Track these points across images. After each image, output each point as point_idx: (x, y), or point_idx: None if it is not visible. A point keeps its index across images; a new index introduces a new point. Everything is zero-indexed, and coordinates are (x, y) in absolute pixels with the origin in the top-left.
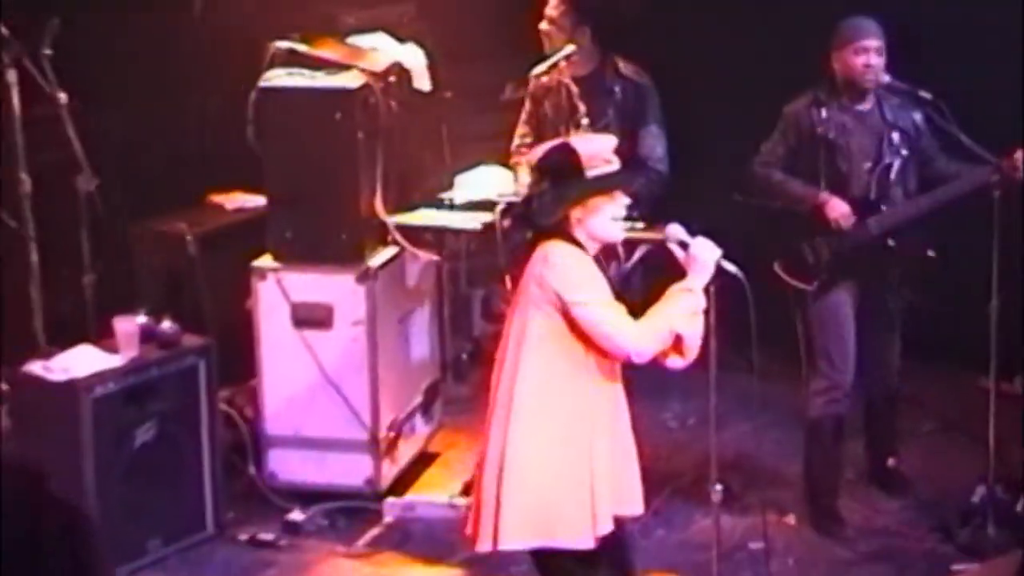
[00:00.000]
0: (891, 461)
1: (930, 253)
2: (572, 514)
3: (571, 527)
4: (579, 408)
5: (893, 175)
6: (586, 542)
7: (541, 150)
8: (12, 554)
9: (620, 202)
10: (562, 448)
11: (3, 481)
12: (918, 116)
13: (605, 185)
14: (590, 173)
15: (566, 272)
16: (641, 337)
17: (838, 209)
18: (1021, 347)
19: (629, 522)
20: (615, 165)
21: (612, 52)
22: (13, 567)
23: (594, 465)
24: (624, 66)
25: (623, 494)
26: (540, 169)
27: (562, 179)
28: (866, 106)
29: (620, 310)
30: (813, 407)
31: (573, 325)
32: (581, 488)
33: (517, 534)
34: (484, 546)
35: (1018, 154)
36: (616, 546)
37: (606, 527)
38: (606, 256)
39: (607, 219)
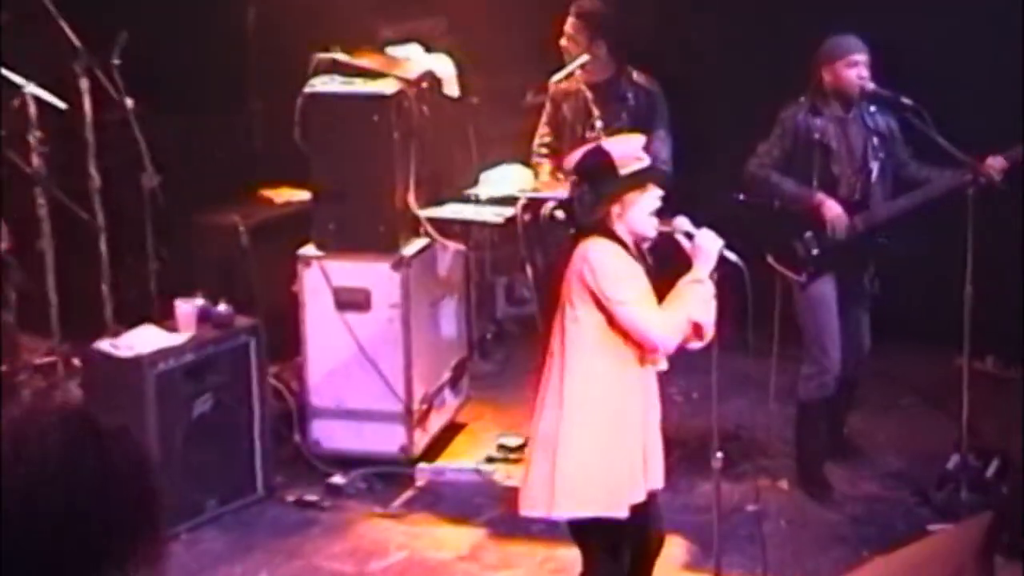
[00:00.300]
0: (845, 431)
1: (909, 247)
2: (610, 488)
3: (610, 499)
4: (617, 394)
5: (875, 177)
6: (621, 512)
7: (577, 155)
8: (83, 486)
9: (654, 195)
10: (603, 431)
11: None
12: (892, 122)
13: (638, 180)
14: (623, 171)
15: (604, 270)
16: (667, 331)
17: (834, 210)
18: (992, 329)
19: (655, 495)
20: (646, 162)
21: (627, 63)
22: (84, 499)
23: (629, 445)
24: (637, 75)
25: (650, 471)
26: (578, 172)
27: (599, 179)
28: (851, 113)
29: (651, 305)
30: (804, 390)
31: (612, 319)
32: (618, 465)
33: (567, 504)
34: (538, 512)
35: (991, 160)
36: (642, 514)
37: (638, 497)
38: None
39: (643, 212)
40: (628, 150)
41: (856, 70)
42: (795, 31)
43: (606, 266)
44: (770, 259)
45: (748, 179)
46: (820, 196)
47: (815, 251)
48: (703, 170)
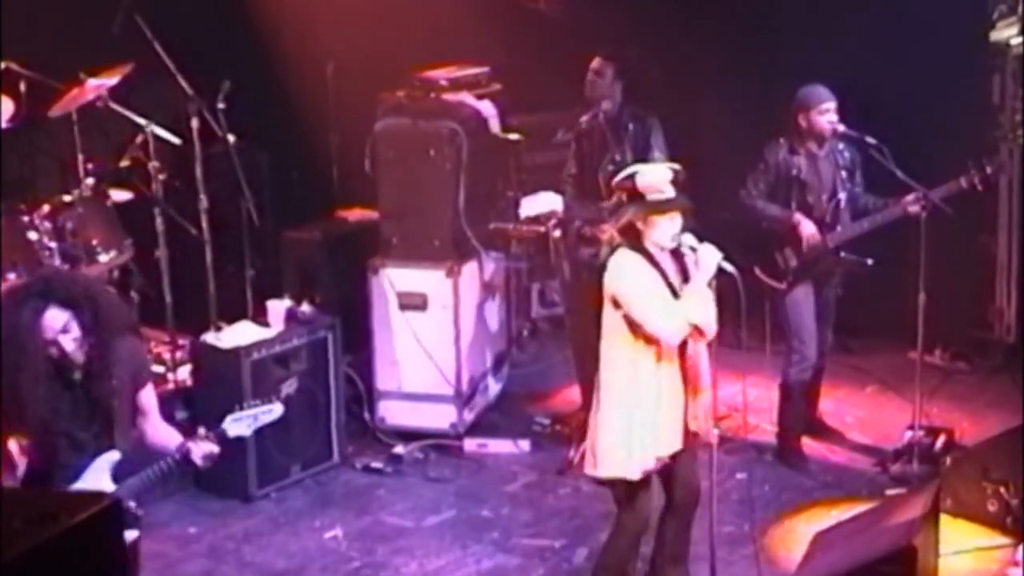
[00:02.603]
0: (818, 413)
1: (868, 261)
2: (624, 455)
3: (626, 464)
4: (630, 378)
5: (843, 204)
6: (633, 475)
7: (621, 176)
8: None
9: (674, 219)
10: (622, 409)
11: None
12: (857, 157)
13: (657, 207)
14: (650, 196)
15: (620, 275)
16: (667, 329)
17: (808, 229)
18: (940, 329)
19: (680, 457)
20: (669, 192)
21: (627, 96)
22: None
23: (642, 421)
24: (635, 107)
25: (662, 440)
26: (619, 188)
27: (631, 198)
28: (824, 151)
29: (657, 307)
30: (787, 375)
31: (628, 316)
32: (633, 437)
33: (603, 467)
34: (590, 471)
35: (934, 191)
36: (666, 473)
37: (648, 465)
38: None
39: (663, 231)
40: (656, 180)
41: (827, 116)
42: (778, 76)
43: (621, 272)
44: (756, 271)
45: (740, 206)
46: (797, 217)
47: (793, 263)
48: (703, 194)
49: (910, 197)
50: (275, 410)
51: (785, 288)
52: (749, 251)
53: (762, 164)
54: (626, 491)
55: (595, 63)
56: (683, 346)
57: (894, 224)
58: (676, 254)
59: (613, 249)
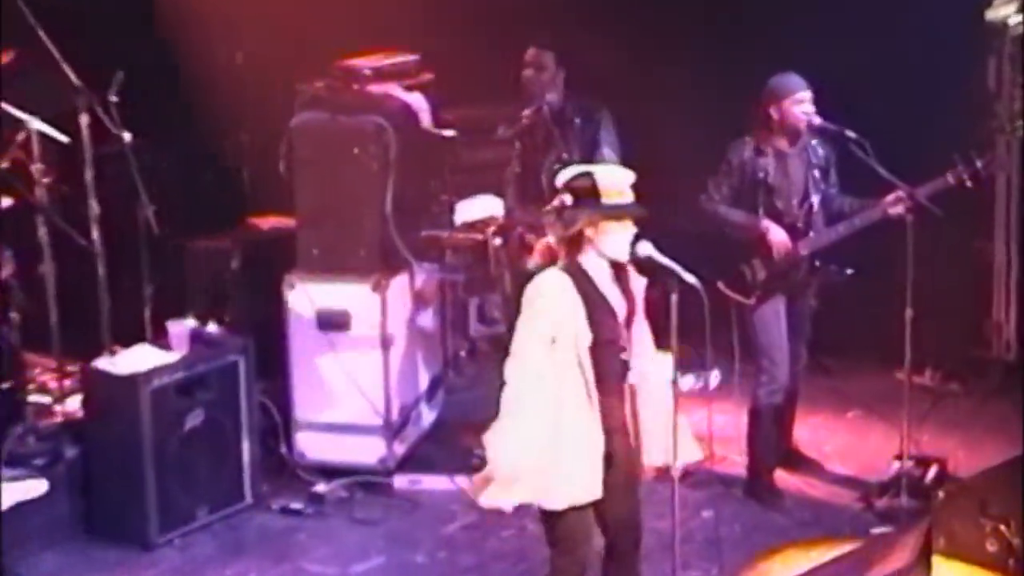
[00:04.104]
0: (792, 441)
1: (848, 271)
2: (540, 480)
3: (538, 490)
4: (556, 399)
5: (815, 207)
6: (554, 503)
7: (569, 173)
8: None
9: (628, 228)
10: (537, 425)
11: None
12: (832, 154)
13: (615, 211)
14: (605, 200)
15: (529, 300)
16: (512, 379)
17: (778, 236)
18: (930, 346)
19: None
20: (628, 197)
21: (575, 87)
22: None
23: (568, 447)
24: (581, 99)
25: (589, 472)
26: (566, 190)
27: (582, 201)
28: (795, 148)
29: (530, 371)
30: (756, 399)
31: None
32: (548, 460)
33: (513, 491)
34: (492, 498)
35: (920, 189)
36: (599, 513)
37: (577, 497)
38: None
39: (617, 242)
40: (614, 182)
41: (802, 107)
42: (747, 61)
43: (531, 298)
44: (720, 285)
45: (700, 212)
46: (765, 223)
47: (762, 276)
48: (660, 200)
49: (891, 197)
50: (38, 487)
51: (753, 303)
52: (712, 263)
53: (725, 165)
54: (557, 527)
55: (530, 53)
56: (623, 372)
57: (877, 228)
58: (620, 273)
59: (544, 266)
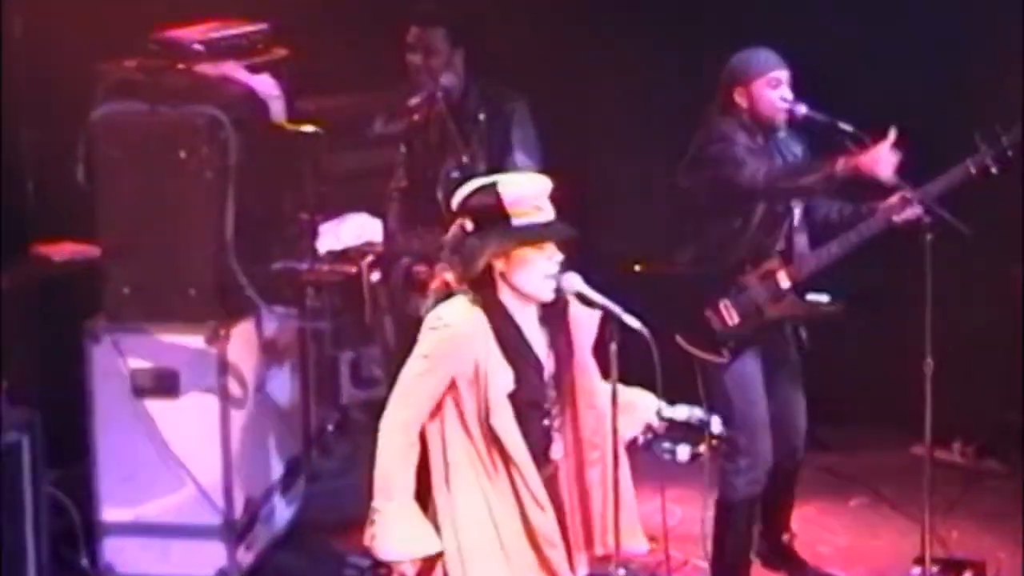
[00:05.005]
0: (786, 536)
1: (842, 304)
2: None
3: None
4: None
5: (797, 222)
6: None
7: (465, 191)
8: None
9: (552, 255)
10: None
11: None
12: (806, 150)
13: (531, 236)
14: (516, 220)
15: (425, 336)
16: (383, 434)
17: (878, 153)
18: (959, 411)
19: None
20: (547, 213)
21: (480, 73)
22: None
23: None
24: (489, 87)
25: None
26: (463, 212)
27: (486, 225)
28: (765, 144)
29: (415, 403)
30: (731, 488)
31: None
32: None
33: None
34: None
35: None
36: None
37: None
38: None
39: (536, 275)
40: (526, 194)
41: (778, 91)
42: (713, 50)
43: (427, 334)
44: (680, 340)
45: (750, 193)
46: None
47: (734, 321)
48: (596, 218)
49: (895, 198)
50: None
51: (727, 360)
52: (666, 307)
53: (727, 142)
54: None
55: (413, 33)
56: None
57: (883, 250)
58: (549, 314)
59: (443, 298)
